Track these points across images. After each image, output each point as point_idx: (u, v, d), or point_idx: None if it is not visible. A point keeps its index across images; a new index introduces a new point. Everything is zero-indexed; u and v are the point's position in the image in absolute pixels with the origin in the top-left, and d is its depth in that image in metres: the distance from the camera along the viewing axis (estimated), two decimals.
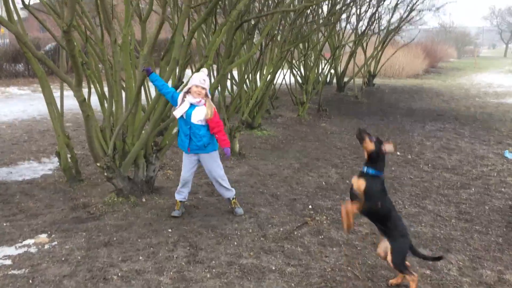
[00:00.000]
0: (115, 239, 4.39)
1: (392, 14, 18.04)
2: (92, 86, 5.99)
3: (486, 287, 3.69)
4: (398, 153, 8.10)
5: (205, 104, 4.70)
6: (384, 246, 3.64)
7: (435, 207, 5.46)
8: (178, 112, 4.67)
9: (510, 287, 3.69)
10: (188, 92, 4.68)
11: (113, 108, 5.63)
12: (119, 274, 3.75)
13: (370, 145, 3.56)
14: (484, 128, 10.55)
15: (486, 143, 8.97)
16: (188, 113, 4.68)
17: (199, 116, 4.68)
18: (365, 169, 3.60)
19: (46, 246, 4.24)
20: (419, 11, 18.85)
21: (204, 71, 4.84)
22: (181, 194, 5.04)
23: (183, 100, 4.68)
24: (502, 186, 6.28)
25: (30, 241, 4.34)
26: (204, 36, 9.20)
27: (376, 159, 3.57)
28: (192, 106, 4.68)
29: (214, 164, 4.94)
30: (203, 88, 4.64)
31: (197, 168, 5.07)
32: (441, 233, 4.71)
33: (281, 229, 4.73)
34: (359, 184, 3.57)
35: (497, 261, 4.12)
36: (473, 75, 27.83)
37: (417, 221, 5.03)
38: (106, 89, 5.89)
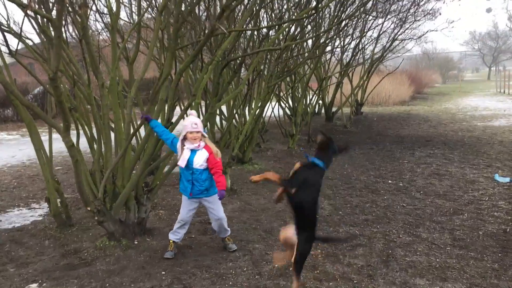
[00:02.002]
0: (107, 285, 4.31)
1: (375, 45, 18.41)
2: (80, 129, 6.01)
3: None
4: (390, 181, 8.12)
5: (205, 147, 4.73)
6: (291, 234, 3.80)
7: (429, 235, 5.45)
8: (182, 161, 4.69)
9: None
10: (185, 138, 4.70)
11: (103, 150, 5.63)
12: None
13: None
14: (473, 152, 10.64)
15: (475, 167, 9.03)
16: (190, 160, 4.69)
17: (200, 160, 4.69)
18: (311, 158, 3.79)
19: None
20: (401, 40, 19.22)
21: (192, 113, 4.87)
22: (177, 235, 4.98)
23: (182, 148, 4.70)
24: (495, 210, 6.29)
25: None
26: (191, 73, 9.30)
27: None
28: (193, 151, 4.70)
29: (216, 205, 4.92)
30: (198, 132, 4.67)
31: (196, 210, 5.03)
32: (436, 261, 4.68)
33: (276, 265, 4.67)
34: (296, 166, 3.81)
35: None
36: (459, 99, 28.26)
37: (412, 250, 5.00)
38: (95, 131, 5.91)
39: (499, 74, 41.63)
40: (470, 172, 8.58)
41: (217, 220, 4.96)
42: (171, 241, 4.99)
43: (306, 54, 11.69)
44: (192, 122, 4.67)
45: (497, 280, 4.23)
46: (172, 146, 4.87)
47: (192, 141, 4.68)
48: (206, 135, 4.82)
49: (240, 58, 7.79)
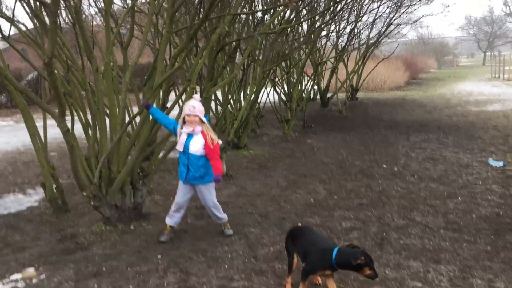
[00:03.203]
0: (104, 269, 4.34)
1: (371, 30, 18.34)
2: (75, 114, 5.98)
3: None
4: (384, 165, 8.16)
5: (202, 132, 4.68)
6: None
7: (423, 218, 5.50)
8: (179, 145, 4.67)
9: None
10: (184, 122, 4.68)
11: (98, 136, 5.62)
12: None
13: None
14: (467, 136, 10.70)
15: (469, 151, 9.08)
16: (186, 144, 4.67)
17: (196, 145, 4.66)
18: None
19: (34, 280, 4.18)
20: (397, 25, 19.14)
21: (195, 97, 4.79)
22: (173, 219, 4.98)
23: (180, 132, 4.68)
24: (488, 194, 6.35)
25: (17, 276, 4.27)
26: (186, 59, 9.25)
27: None
28: (190, 136, 4.66)
29: (209, 195, 4.89)
30: (195, 116, 4.62)
31: (192, 195, 5.00)
32: (430, 244, 4.74)
33: (272, 249, 4.72)
34: None
35: (487, 269, 4.15)
36: (454, 84, 28.29)
37: (406, 233, 5.05)
38: (89, 116, 5.88)
39: (494, 59, 41.63)
40: (464, 157, 8.63)
41: (207, 207, 4.96)
42: (167, 226, 5.01)
43: (301, 39, 11.64)
44: (190, 105, 4.62)
45: (490, 262, 4.29)
46: (175, 132, 4.84)
47: (189, 124, 4.64)
48: (205, 121, 4.76)
49: (235, 43, 7.76)
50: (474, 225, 5.24)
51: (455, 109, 16.01)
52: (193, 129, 4.65)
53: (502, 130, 11.37)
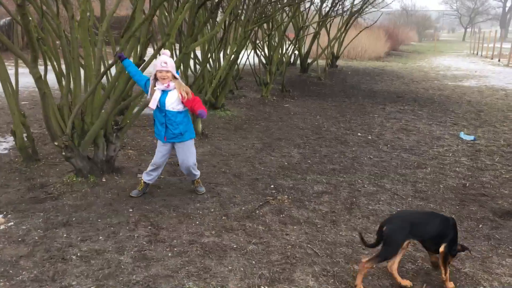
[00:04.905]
0: (74, 219, 4.33)
1: None
2: (49, 63, 5.81)
3: None
4: (359, 134, 8.26)
5: (176, 87, 4.58)
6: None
7: (393, 186, 5.62)
8: (153, 103, 4.52)
9: (461, 261, 3.87)
10: (156, 79, 4.56)
11: (71, 86, 5.48)
12: (78, 254, 3.71)
13: None
14: (442, 110, 10.86)
15: (442, 124, 9.25)
16: (161, 101, 4.54)
17: (173, 101, 4.56)
18: None
19: (2, 227, 4.14)
20: None
21: (165, 52, 4.64)
22: (150, 176, 4.95)
23: (153, 89, 4.54)
24: (457, 166, 6.51)
25: None
26: (166, 13, 9.02)
27: None
28: (164, 92, 4.55)
29: (188, 153, 4.82)
30: (167, 71, 4.49)
31: (169, 154, 4.93)
32: (397, 210, 4.86)
33: (243, 208, 4.77)
34: None
35: None
36: (433, 58, 28.49)
37: (375, 199, 5.17)
38: (63, 66, 5.72)
39: (474, 36, 41.98)
40: (437, 129, 8.79)
41: (187, 166, 4.90)
42: (142, 181, 4.99)
43: (285, 1, 11.46)
44: (162, 60, 4.47)
45: None
46: (145, 88, 4.70)
47: (162, 80, 4.51)
48: (178, 77, 4.65)
49: None
50: (441, 195, 5.39)
51: (432, 83, 16.17)
52: (167, 85, 4.53)
53: (476, 105, 11.58)
